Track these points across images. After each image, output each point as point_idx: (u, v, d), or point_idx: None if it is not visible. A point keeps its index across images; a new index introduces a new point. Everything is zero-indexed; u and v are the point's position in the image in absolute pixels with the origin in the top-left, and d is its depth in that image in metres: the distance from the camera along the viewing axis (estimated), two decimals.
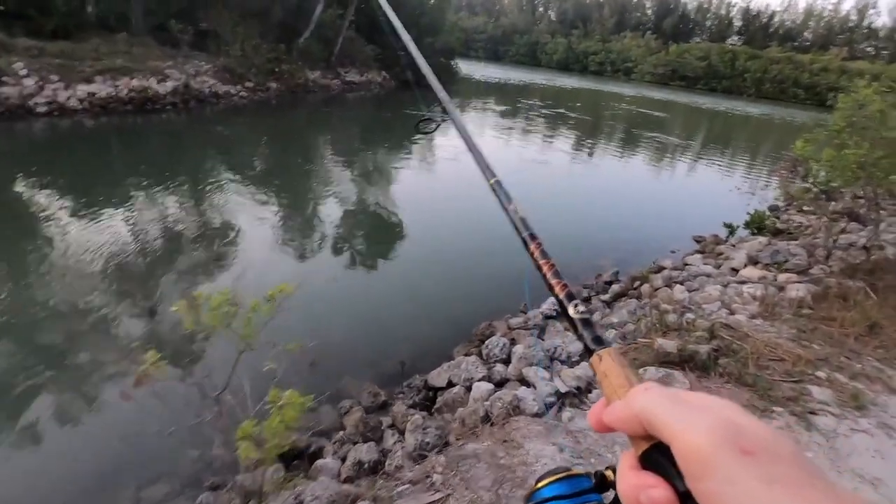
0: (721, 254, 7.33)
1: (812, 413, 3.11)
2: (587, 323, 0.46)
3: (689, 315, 4.50)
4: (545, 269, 0.53)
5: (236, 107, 18.22)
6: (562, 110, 29.76)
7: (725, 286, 5.78)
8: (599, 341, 0.44)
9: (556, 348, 4.08)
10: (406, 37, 1.62)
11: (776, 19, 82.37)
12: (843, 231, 7.16)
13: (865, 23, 75.84)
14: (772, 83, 65.13)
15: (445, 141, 13.30)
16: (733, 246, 7.56)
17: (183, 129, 14.74)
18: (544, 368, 3.88)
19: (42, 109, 12.37)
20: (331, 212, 8.93)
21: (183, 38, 18.22)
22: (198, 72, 17.53)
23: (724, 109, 45.14)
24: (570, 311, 0.47)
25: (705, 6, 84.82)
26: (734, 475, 0.24)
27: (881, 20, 78.81)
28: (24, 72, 12.53)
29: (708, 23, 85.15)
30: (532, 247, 0.57)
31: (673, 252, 8.07)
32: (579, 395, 3.52)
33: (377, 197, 10.32)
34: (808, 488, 0.24)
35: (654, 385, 0.34)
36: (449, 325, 5.26)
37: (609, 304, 5.90)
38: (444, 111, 1.17)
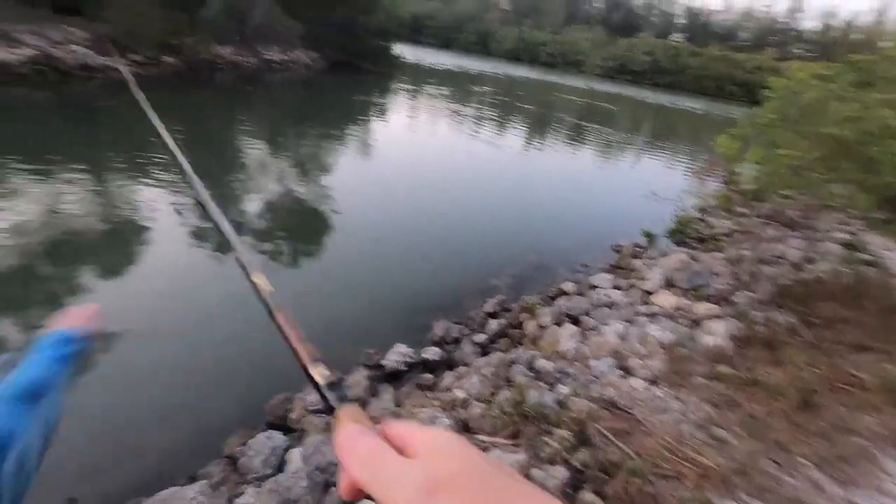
0: (635, 270, 6.06)
1: None
2: (333, 385, 0.44)
3: (563, 388, 3.09)
4: (293, 338, 0.48)
5: (121, 82, 15.60)
6: (511, 100, 28.50)
7: (631, 322, 4.47)
8: (343, 399, 0.42)
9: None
10: None
11: (716, 18, 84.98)
12: (772, 240, 6.08)
13: (795, 26, 79.56)
14: (710, 80, 67.06)
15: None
16: (651, 260, 6.34)
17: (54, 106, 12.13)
18: None
19: None
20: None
21: None
22: (66, 39, 14.76)
23: (667, 104, 45.56)
24: (316, 376, 0.44)
25: (651, 2, 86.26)
26: None
27: (809, 24, 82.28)
28: None
29: (654, 19, 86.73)
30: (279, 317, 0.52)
31: (585, 266, 6.76)
32: None
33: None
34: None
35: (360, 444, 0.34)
36: (228, 402, 3.59)
37: (485, 348, 4.43)
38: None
